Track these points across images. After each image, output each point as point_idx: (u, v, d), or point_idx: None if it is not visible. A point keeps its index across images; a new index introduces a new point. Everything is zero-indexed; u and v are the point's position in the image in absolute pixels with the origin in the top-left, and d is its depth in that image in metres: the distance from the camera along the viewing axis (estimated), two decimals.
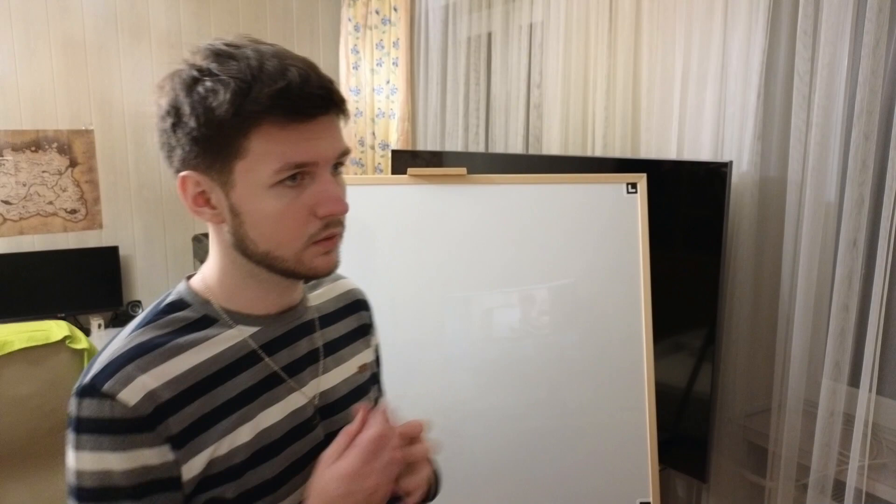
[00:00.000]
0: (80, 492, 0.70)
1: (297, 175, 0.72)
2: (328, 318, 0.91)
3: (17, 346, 2.18)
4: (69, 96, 3.09)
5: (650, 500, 1.59)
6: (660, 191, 1.76)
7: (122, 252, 3.21)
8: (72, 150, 3.12)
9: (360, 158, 3.40)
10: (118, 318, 3.22)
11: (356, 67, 3.35)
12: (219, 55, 0.71)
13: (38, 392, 2.21)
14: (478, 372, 1.58)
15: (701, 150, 1.81)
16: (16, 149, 3.01)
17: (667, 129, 1.91)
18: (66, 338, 2.21)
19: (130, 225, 3.29)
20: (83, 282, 3.12)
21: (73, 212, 3.16)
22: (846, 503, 1.50)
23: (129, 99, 3.21)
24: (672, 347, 1.80)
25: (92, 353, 2.28)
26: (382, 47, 3.23)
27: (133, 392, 0.69)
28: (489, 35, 2.73)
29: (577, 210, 1.64)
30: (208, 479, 0.73)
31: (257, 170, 0.71)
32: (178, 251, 3.38)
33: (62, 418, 2.26)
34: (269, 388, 0.79)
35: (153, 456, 0.70)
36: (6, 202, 3.02)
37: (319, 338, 0.87)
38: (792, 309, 1.62)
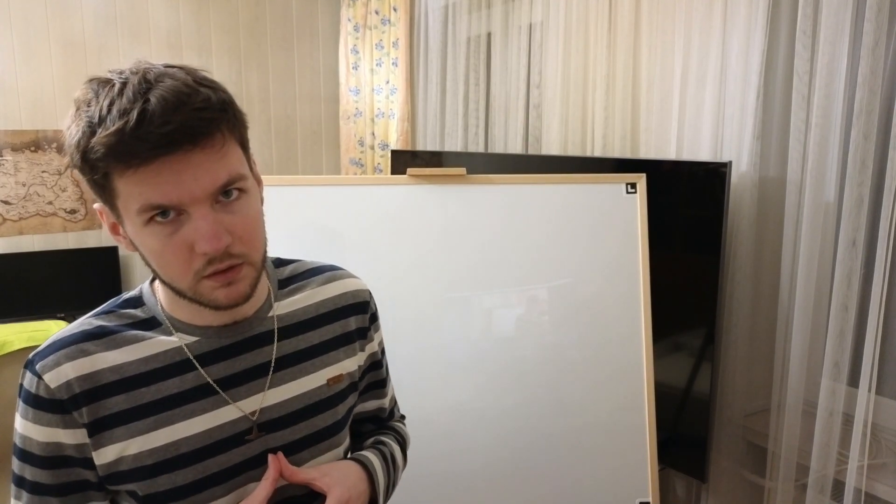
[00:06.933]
0: (13, 447, 0.77)
1: (169, 213, 0.68)
2: (297, 328, 0.86)
3: (17, 346, 2.18)
4: (69, 96, 3.09)
5: (649, 499, 1.59)
6: (659, 191, 1.76)
7: (121, 252, 3.20)
8: None
9: (360, 158, 3.40)
10: None
11: (356, 67, 3.36)
12: (101, 84, 0.69)
13: None
14: (477, 372, 1.58)
15: (700, 151, 1.81)
16: (15, 149, 3.01)
17: (666, 129, 1.92)
18: None
19: None
20: (83, 282, 3.12)
21: (73, 212, 3.16)
22: (845, 503, 1.51)
23: None
24: (671, 347, 1.80)
25: None
26: (382, 47, 3.23)
27: (56, 377, 0.74)
28: (489, 35, 2.74)
29: (577, 210, 1.64)
30: (118, 473, 0.76)
31: (129, 209, 0.69)
32: None
33: None
34: (197, 398, 0.78)
35: (67, 436, 0.75)
36: (6, 202, 3.02)
37: (273, 351, 0.83)
38: (791, 309, 1.62)
